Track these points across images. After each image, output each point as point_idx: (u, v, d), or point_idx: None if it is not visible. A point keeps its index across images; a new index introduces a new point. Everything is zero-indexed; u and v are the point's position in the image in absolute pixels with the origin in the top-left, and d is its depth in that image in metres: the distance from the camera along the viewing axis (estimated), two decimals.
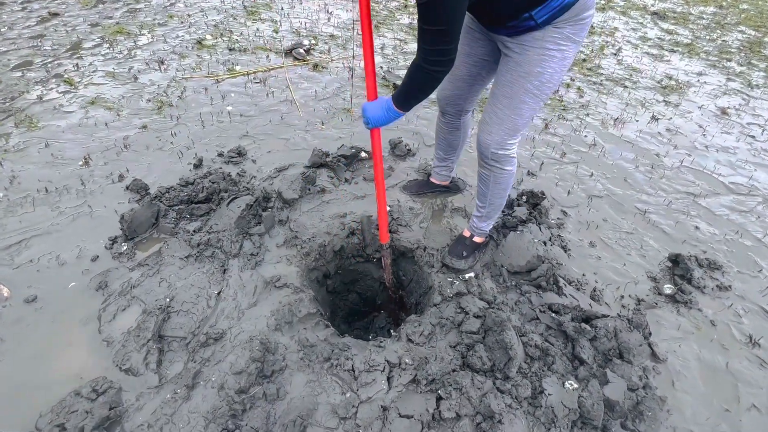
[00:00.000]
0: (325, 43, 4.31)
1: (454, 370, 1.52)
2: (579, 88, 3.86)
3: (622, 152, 3.02)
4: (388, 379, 1.50)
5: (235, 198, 2.09)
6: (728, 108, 3.77)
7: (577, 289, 1.94)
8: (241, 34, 4.35)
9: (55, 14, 4.47)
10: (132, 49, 3.84)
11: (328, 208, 2.25)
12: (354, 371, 1.50)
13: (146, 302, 1.70)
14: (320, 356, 1.56)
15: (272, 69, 3.70)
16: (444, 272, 1.94)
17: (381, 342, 1.62)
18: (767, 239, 2.38)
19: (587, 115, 3.46)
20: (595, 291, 1.94)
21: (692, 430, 1.50)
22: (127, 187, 2.27)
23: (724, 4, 7.19)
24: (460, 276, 1.92)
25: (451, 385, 1.46)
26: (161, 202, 2.14)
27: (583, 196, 2.56)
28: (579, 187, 2.63)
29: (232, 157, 2.56)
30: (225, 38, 4.21)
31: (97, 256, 1.90)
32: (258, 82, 3.50)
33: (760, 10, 6.98)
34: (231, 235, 1.97)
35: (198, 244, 1.94)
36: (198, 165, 2.47)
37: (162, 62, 3.64)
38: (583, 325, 1.66)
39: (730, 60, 4.84)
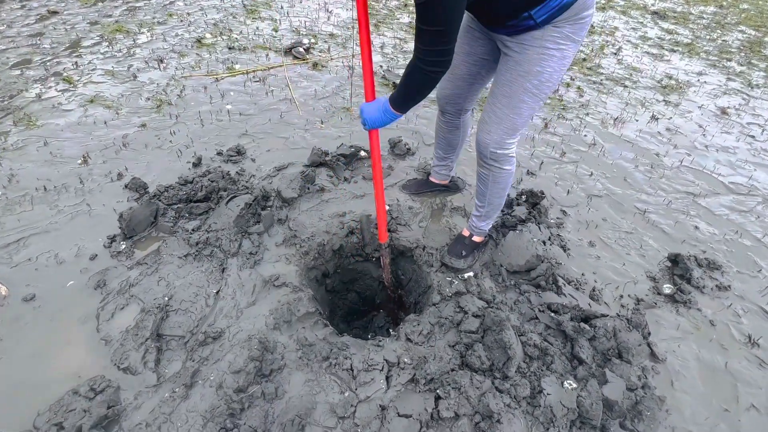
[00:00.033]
0: (325, 41, 4.31)
1: (452, 370, 1.52)
2: (579, 88, 3.85)
3: (621, 152, 3.02)
4: (387, 378, 1.50)
5: (234, 197, 2.09)
6: (728, 108, 3.77)
7: (577, 288, 1.94)
8: (241, 32, 4.34)
9: (55, 12, 4.46)
10: (131, 48, 3.84)
11: (328, 207, 2.25)
12: (352, 370, 1.50)
13: (145, 301, 1.70)
14: (319, 355, 1.56)
15: (272, 68, 3.70)
16: (443, 271, 1.94)
17: (380, 341, 1.61)
18: (767, 239, 2.38)
19: (587, 114, 3.45)
20: (594, 290, 1.94)
21: (691, 430, 1.50)
22: (125, 186, 2.27)
23: (725, 3, 7.18)
24: (459, 275, 1.92)
25: (449, 385, 1.46)
26: (160, 200, 2.14)
27: (582, 196, 2.56)
28: (578, 186, 2.63)
29: (231, 156, 2.55)
30: (224, 37, 4.21)
31: (96, 255, 1.89)
32: (257, 81, 3.49)
33: (760, 10, 6.98)
34: (230, 234, 1.96)
35: (197, 243, 1.94)
36: (197, 164, 2.47)
37: (161, 61, 3.64)
38: (582, 324, 1.66)
39: (730, 60, 4.84)
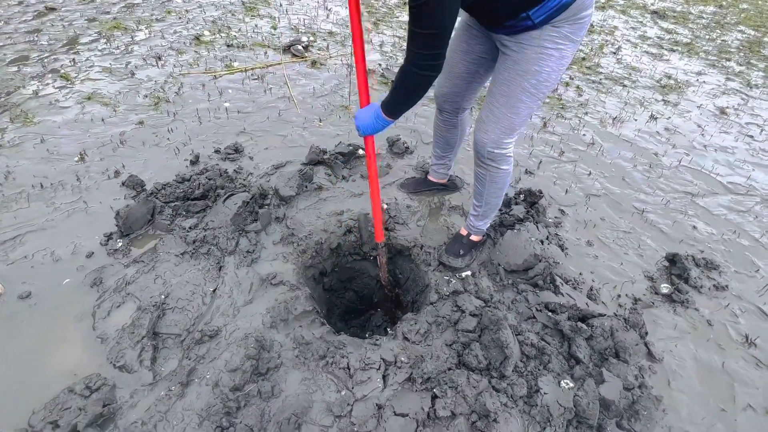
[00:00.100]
0: (324, 39, 4.29)
1: (449, 369, 1.52)
2: (578, 87, 3.85)
3: (620, 151, 3.02)
4: (384, 377, 1.49)
5: (232, 195, 2.08)
6: (727, 108, 3.77)
7: (574, 288, 1.93)
8: (239, 30, 4.32)
9: (52, 9, 4.44)
10: (129, 45, 3.82)
11: (325, 206, 2.24)
12: (349, 369, 1.49)
13: (141, 299, 1.70)
14: (316, 354, 1.55)
15: (270, 65, 3.69)
16: (441, 270, 1.94)
17: (377, 340, 1.61)
18: (765, 239, 2.38)
19: (586, 113, 3.45)
20: (591, 290, 1.94)
21: (688, 430, 1.50)
22: (122, 183, 2.26)
23: (724, 3, 7.18)
24: (457, 274, 1.91)
25: (446, 384, 1.45)
26: (157, 198, 2.13)
27: (581, 195, 2.55)
28: (577, 185, 2.63)
29: (229, 154, 2.55)
30: (223, 34, 4.19)
31: (92, 253, 1.89)
32: (256, 79, 3.48)
33: (760, 10, 6.98)
34: (227, 232, 1.96)
35: (194, 241, 1.93)
36: (194, 161, 2.46)
37: (159, 58, 3.62)
38: (580, 324, 1.66)
39: (729, 60, 4.84)
